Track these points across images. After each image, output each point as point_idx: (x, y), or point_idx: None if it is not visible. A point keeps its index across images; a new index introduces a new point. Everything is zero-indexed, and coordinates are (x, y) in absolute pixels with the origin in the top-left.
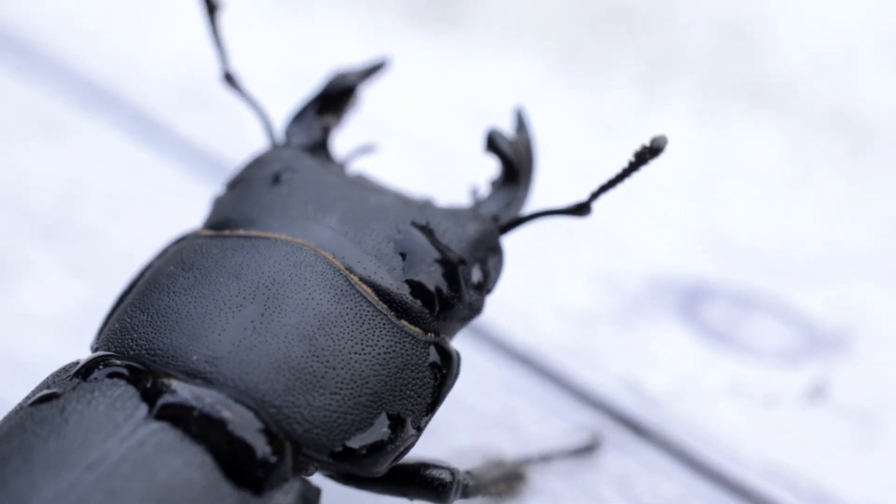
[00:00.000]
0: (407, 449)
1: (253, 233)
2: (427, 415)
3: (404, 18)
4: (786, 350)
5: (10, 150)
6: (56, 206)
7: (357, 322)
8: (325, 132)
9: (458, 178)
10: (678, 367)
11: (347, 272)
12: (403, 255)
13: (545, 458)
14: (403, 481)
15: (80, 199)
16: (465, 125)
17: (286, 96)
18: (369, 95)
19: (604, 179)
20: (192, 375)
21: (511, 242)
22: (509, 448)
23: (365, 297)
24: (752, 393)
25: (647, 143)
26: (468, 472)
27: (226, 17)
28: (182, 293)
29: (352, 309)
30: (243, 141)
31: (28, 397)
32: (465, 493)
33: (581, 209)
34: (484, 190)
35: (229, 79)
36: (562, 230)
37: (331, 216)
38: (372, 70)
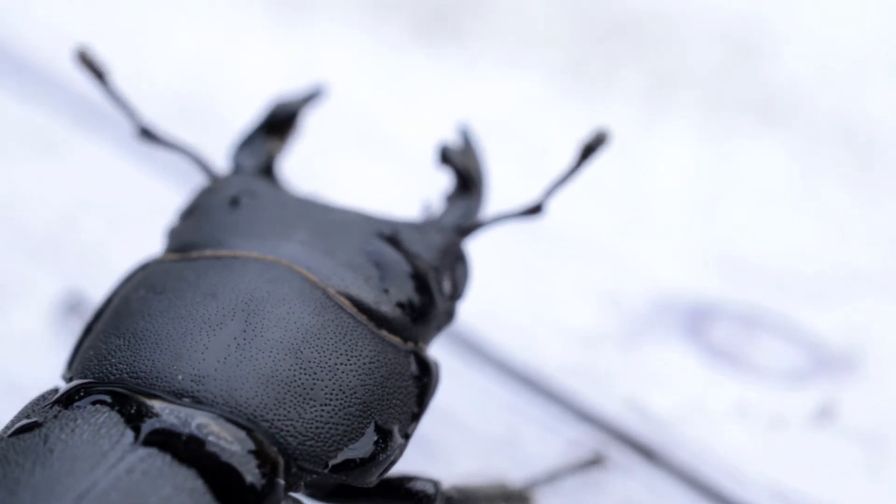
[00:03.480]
0: (397, 458)
1: (222, 252)
2: (413, 422)
3: (406, 32)
4: (793, 371)
5: (7, 168)
6: (54, 224)
7: (339, 334)
8: (270, 158)
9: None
10: (684, 388)
11: (324, 285)
12: (376, 266)
13: (549, 478)
14: (388, 495)
15: (79, 217)
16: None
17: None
18: (371, 108)
19: (554, 177)
20: (179, 395)
21: (514, 261)
22: (513, 469)
23: (344, 309)
24: (759, 414)
25: (589, 137)
26: (455, 487)
27: (224, 33)
28: (158, 315)
29: (333, 321)
30: None
31: (7, 427)
32: None
33: (535, 210)
34: (437, 203)
35: (146, 133)
36: (565, 249)
37: (299, 232)
38: (311, 97)
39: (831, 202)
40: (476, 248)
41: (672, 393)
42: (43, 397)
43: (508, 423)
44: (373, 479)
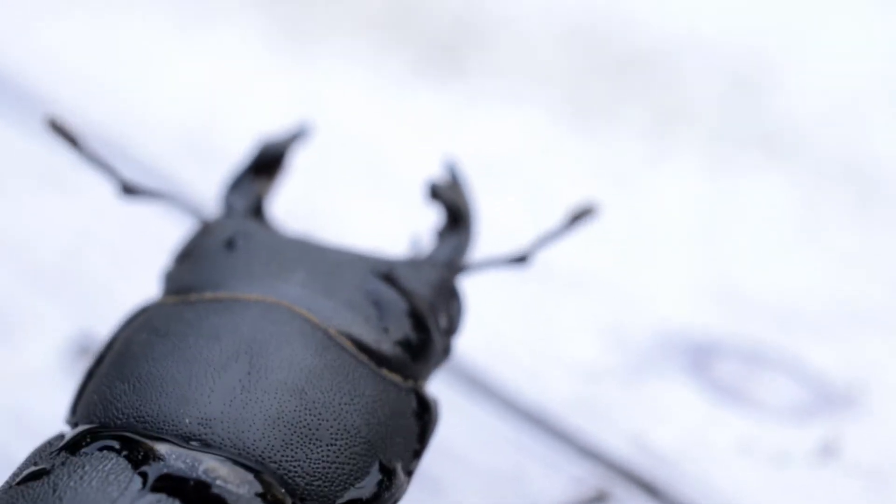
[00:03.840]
0: (400, 496)
1: (222, 294)
2: (415, 460)
3: (410, 67)
4: (796, 407)
5: (14, 203)
6: (61, 259)
7: (342, 374)
8: (260, 199)
9: None
10: (687, 424)
11: (325, 326)
12: (375, 305)
13: None
14: None
15: (86, 252)
16: (471, 174)
17: (298, 149)
18: (374, 142)
19: (542, 234)
20: (187, 439)
21: (517, 296)
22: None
23: (345, 350)
24: (763, 450)
25: (578, 207)
26: None
27: (229, 67)
28: (162, 359)
29: (335, 361)
30: None
31: (15, 475)
32: None
33: (521, 259)
34: (427, 239)
35: (129, 189)
36: (569, 284)
37: (297, 273)
38: (297, 136)
39: (834, 238)
40: (479, 282)
41: (675, 428)
42: (49, 443)
43: (512, 459)
44: None
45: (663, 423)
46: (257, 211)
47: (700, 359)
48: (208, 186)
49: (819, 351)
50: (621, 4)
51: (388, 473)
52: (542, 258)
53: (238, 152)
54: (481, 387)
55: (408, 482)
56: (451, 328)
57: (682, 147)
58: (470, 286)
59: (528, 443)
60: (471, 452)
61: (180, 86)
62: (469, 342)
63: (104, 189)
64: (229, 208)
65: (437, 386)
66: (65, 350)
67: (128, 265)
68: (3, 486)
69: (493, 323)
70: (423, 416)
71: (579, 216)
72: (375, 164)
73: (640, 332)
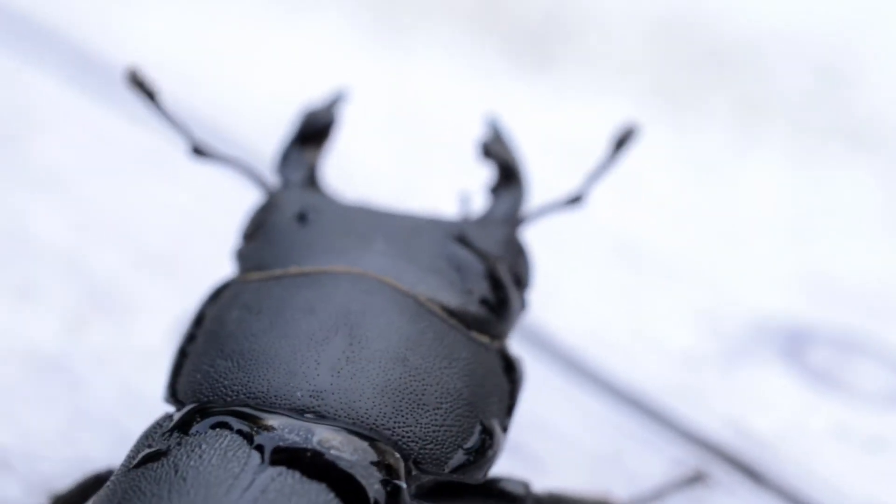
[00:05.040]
0: (500, 451)
1: (308, 269)
2: (508, 417)
3: (503, 59)
4: (889, 393)
5: (123, 189)
6: (168, 243)
7: (437, 339)
8: (312, 169)
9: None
10: (782, 409)
11: (413, 293)
12: (456, 269)
13: (653, 496)
14: (481, 494)
15: (191, 235)
16: (561, 161)
17: (392, 136)
18: (465, 128)
19: (592, 169)
20: (301, 412)
21: (616, 285)
22: (617, 483)
23: (436, 315)
24: (857, 435)
25: (619, 131)
26: (547, 491)
27: (324, 57)
28: (262, 335)
29: (429, 327)
30: (347, 176)
31: (131, 458)
32: None
33: (576, 200)
34: (482, 198)
35: (198, 151)
36: (664, 273)
37: (376, 242)
38: (336, 101)
39: None
40: (580, 272)
41: (771, 413)
42: (158, 425)
43: (613, 441)
44: (483, 475)
45: (759, 408)
46: (312, 181)
47: (793, 345)
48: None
49: None
50: None
51: (488, 432)
52: (638, 248)
53: (335, 137)
54: (583, 371)
55: (505, 438)
56: (523, 282)
57: (767, 138)
58: (572, 275)
59: (628, 425)
60: (573, 434)
61: (278, 73)
62: (572, 328)
63: (208, 176)
64: (286, 181)
65: (541, 370)
66: (172, 329)
67: (230, 247)
68: (120, 469)
69: (594, 310)
70: (511, 374)
71: (622, 141)
72: (467, 149)
73: (733, 319)
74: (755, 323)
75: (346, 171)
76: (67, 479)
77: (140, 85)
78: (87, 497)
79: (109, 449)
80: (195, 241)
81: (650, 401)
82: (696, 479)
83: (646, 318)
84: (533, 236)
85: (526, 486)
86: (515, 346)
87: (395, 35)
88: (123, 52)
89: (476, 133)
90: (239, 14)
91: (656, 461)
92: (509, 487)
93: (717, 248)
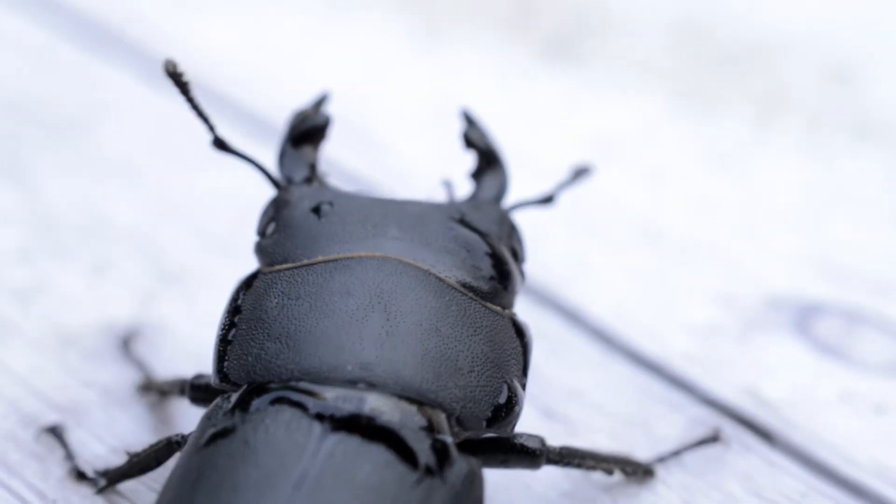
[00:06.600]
0: (522, 407)
1: (335, 256)
2: (524, 377)
3: (533, 56)
4: (892, 362)
5: (189, 176)
6: (230, 226)
7: (461, 311)
8: (313, 167)
9: (580, 203)
10: (793, 377)
11: (433, 272)
12: (464, 248)
13: (674, 453)
14: (500, 449)
15: (251, 220)
16: (588, 155)
17: (432, 132)
18: (500, 124)
19: (558, 183)
20: (354, 383)
21: (640, 266)
22: (641, 443)
23: (456, 289)
24: (863, 401)
25: (580, 165)
26: (564, 445)
27: (368, 57)
28: (305, 318)
29: (453, 301)
30: (394, 170)
31: (198, 437)
32: (560, 457)
33: (548, 200)
34: (461, 183)
35: (219, 143)
36: (685, 254)
37: (390, 229)
38: (321, 101)
39: None
40: (611, 254)
41: (782, 381)
42: (218, 406)
43: (637, 405)
44: (512, 428)
45: (771, 376)
46: (313, 178)
47: (803, 319)
48: (354, 166)
49: None
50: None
51: (512, 390)
52: (661, 233)
53: (381, 134)
54: (613, 342)
55: (524, 395)
56: (519, 256)
57: (782, 132)
58: (603, 256)
59: (652, 391)
60: (602, 398)
61: (324, 73)
62: (603, 304)
63: (267, 162)
64: (290, 180)
65: (576, 343)
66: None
67: None
68: (188, 449)
69: (623, 288)
70: (522, 338)
71: (579, 172)
72: (502, 143)
73: (749, 296)
74: (769, 299)
75: (386, 165)
76: (141, 437)
77: (174, 76)
78: (160, 461)
79: (177, 406)
80: (253, 225)
81: (672, 369)
82: (714, 438)
83: (669, 295)
84: (568, 223)
85: (542, 440)
86: (554, 323)
87: (434, 37)
88: (186, 52)
89: (513, 129)
90: (286, 14)
91: (677, 422)
92: (527, 442)
93: (734, 232)
